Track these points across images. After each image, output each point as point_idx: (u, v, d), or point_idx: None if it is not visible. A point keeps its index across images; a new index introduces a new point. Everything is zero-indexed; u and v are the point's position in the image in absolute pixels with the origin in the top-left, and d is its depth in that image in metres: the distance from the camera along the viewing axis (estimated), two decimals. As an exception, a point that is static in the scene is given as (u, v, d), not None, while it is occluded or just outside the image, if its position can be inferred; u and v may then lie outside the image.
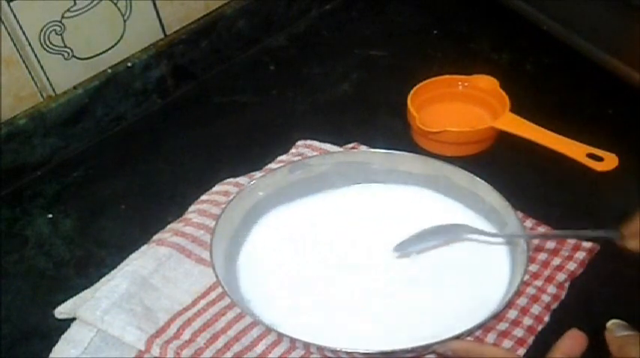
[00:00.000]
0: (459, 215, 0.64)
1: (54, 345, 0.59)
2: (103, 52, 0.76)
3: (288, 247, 0.64)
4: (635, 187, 0.67)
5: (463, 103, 0.75)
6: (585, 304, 0.60)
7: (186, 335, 0.58)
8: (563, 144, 0.68)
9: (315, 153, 0.71)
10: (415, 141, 0.73)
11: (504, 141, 0.71)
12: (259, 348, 0.58)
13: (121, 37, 0.77)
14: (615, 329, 0.53)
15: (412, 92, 0.73)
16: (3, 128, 0.71)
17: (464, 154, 0.70)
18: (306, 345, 0.56)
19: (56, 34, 0.72)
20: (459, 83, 0.76)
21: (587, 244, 0.62)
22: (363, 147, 0.72)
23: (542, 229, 0.64)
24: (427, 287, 0.60)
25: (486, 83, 0.74)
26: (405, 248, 0.60)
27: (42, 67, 0.72)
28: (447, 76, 0.76)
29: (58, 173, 0.76)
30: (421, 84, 0.74)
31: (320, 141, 0.73)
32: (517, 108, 0.71)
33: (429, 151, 0.71)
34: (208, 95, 0.83)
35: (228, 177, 0.70)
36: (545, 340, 0.57)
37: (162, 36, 0.80)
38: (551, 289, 0.60)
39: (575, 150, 0.67)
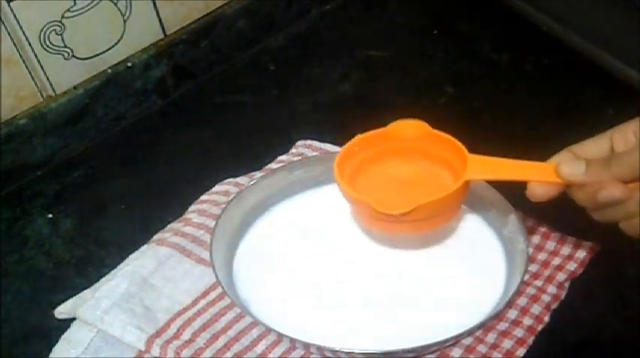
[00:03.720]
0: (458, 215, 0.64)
1: (54, 345, 0.59)
2: (103, 52, 0.76)
3: (287, 247, 0.64)
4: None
5: (400, 163, 0.57)
6: (585, 304, 0.60)
7: (186, 335, 0.58)
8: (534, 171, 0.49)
9: (315, 153, 0.71)
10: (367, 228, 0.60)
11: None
12: (259, 348, 0.58)
13: (121, 37, 0.77)
14: (569, 167, 0.44)
15: (336, 167, 0.54)
16: (3, 128, 0.71)
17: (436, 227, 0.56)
18: (306, 345, 0.56)
19: (56, 34, 0.72)
20: (379, 141, 0.56)
21: (588, 244, 0.62)
22: (363, 147, 0.71)
23: (542, 229, 0.64)
24: (427, 287, 0.60)
25: (413, 129, 0.55)
26: None
27: (42, 67, 0.72)
28: (360, 136, 0.56)
29: (58, 173, 0.76)
30: (339, 155, 0.55)
31: (320, 141, 0.73)
32: (517, 108, 0.71)
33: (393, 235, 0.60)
34: (208, 95, 0.83)
35: (228, 177, 0.70)
36: (545, 340, 0.57)
37: (162, 36, 0.80)
38: (551, 289, 0.60)
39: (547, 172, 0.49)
